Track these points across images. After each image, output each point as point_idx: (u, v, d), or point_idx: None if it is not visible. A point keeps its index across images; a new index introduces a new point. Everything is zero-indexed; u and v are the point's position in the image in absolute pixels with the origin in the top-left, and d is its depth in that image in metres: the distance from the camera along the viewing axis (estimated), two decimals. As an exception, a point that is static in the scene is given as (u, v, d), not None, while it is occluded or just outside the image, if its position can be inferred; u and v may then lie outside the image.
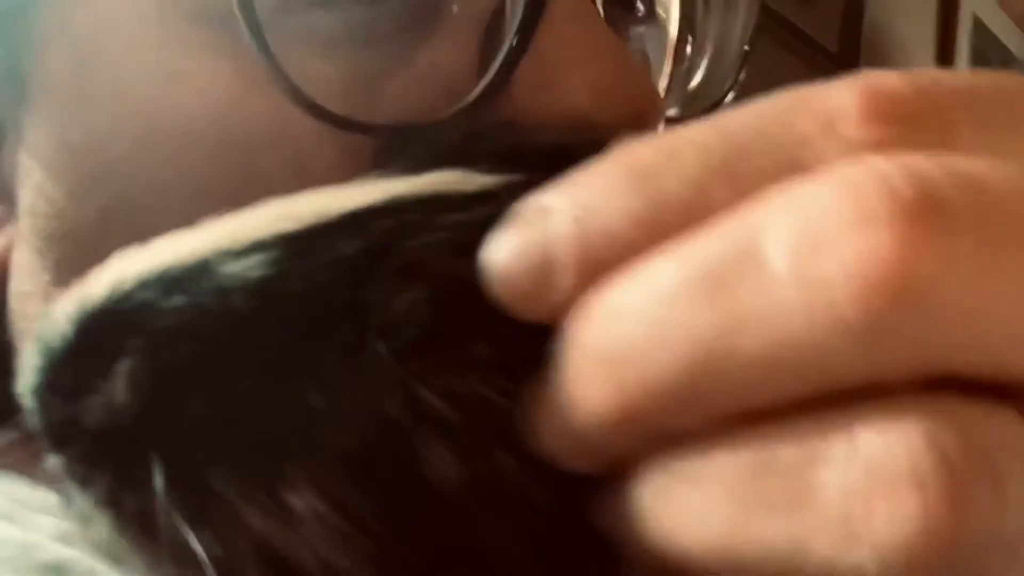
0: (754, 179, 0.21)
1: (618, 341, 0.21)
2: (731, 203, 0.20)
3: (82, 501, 0.27)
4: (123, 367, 0.26)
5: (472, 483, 0.24)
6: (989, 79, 0.22)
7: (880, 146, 0.20)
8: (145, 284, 0.26)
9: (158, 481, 0.25)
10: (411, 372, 0.25)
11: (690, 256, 0.20)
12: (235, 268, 0.25)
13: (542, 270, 0.22)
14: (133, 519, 0.26)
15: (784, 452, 0.20)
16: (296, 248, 0.25)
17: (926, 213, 0.18)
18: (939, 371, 0.19)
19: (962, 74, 0.22)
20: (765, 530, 0.20)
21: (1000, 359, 0.19)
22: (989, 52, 2.39)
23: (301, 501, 0.25)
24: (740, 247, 0.20)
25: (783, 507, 0.20)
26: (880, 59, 1.99)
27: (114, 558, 0.28)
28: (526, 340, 0.23)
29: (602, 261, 0.21)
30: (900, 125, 0.20)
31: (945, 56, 2.23)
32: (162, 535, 0.25)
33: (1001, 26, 2.46)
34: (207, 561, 0.25)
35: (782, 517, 0.20)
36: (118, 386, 0.26)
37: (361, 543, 0.25)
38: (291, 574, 0.25)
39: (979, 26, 2.36)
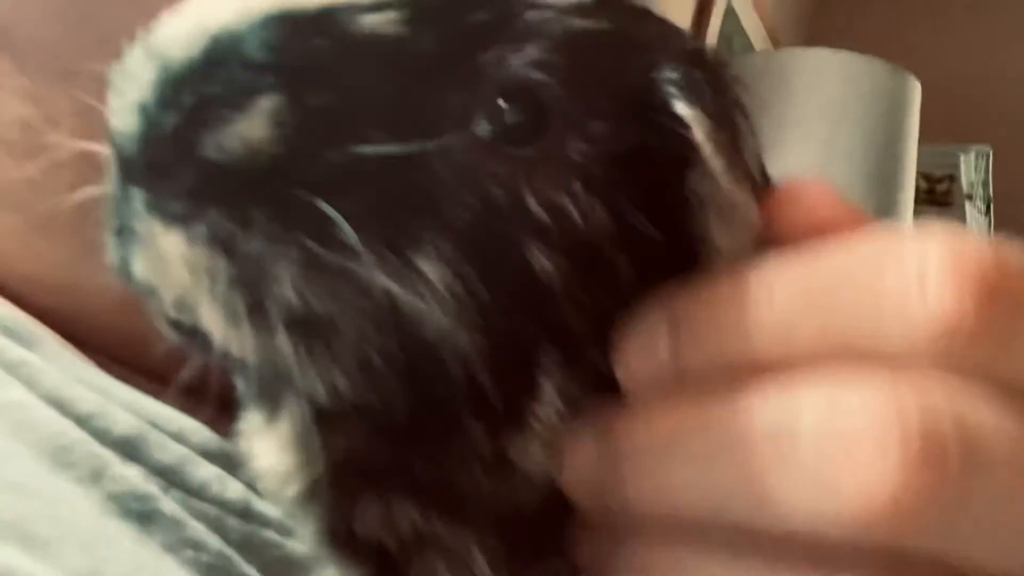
0: (830, 335, 0.24)
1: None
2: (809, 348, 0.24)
3: (172, 239, 0.25)
4: (267, 103, 0.24)
5: (565, 278, 0.26)
6: None
7: (938, 354, 0.23)
8: (279, 19, 0.25)
9: (286, 226, 0.24)
10: (513, 161, 0.26)
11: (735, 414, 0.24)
12: (371, 20, 0.25)
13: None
14: (243, 262, 0.24)
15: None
16: (425, 10, 0.26)
17: (927, 461, 0.22)
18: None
19: None
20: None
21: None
22: (734, 38, 2.56)
23: (430, 266, 0.25)
24: (779, 421, 0.23)
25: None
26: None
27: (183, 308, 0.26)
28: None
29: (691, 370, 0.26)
30: (967, 339, 0.23)
31: (697, 35, 2.38)
32: (265, 283, 0.24)
33: (748, 18, 2.65)
34: (309, 314, 0.25)
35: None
36: (259, 122, 0.24)
37: (476, 316, 0.25)
38: (404, 337, 0.25)
39: (731, 14, 2.52)
